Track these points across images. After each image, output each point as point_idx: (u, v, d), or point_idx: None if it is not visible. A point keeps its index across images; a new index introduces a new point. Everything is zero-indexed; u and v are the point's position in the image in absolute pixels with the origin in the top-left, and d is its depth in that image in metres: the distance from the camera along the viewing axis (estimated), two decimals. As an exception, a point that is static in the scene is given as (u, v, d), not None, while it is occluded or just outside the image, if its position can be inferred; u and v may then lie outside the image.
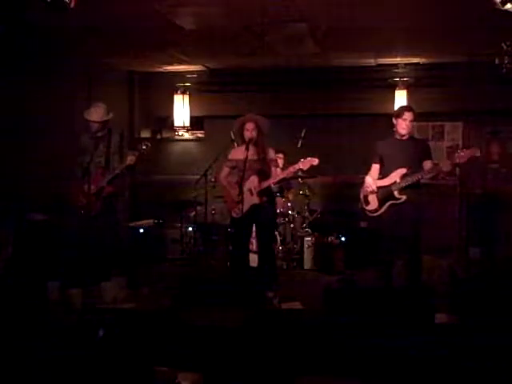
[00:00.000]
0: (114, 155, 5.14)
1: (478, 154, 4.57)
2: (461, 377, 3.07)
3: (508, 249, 5.75)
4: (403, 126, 4.82)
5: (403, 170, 4.76)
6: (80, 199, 5.01)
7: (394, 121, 4.87)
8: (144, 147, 5.06)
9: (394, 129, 4.90)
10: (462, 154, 4.52)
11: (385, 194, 4.86)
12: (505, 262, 5.67)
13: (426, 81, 7.19)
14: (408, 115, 4.81)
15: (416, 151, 4.81)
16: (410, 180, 4.72)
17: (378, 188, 4.92)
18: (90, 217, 4.99)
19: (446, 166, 4.61)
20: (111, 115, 5.19)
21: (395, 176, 4.80)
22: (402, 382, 3.09)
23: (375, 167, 5.03)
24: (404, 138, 4.87)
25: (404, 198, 4.76)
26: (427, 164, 4.77)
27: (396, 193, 4.78)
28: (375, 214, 4.96)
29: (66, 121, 5.95)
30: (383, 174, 4.94)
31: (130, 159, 5.01)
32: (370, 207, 4.99)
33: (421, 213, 4.84)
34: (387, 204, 4.86)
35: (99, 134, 5.16)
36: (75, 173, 5.15)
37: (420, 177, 4.70)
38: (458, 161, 4.54)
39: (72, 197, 5.10)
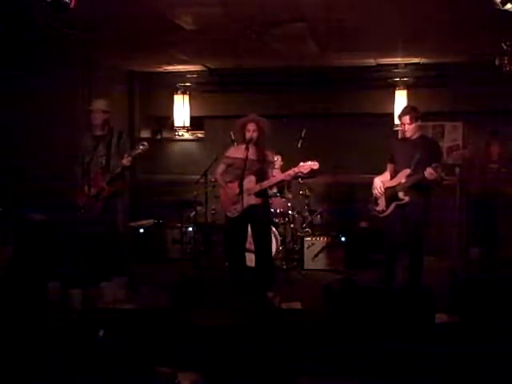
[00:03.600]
0: (115, 156, 5.15)
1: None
2: (460, 376, 3.07)
3: (508, 249, 5.73)
4: (404, 128, 4.83)
5: (407, 171, 4.73)
6: (80, 200, 5.05)
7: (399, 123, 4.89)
8: (141, 147, 5.06)
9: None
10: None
11: (391, 194, 4.83)
12: (505, 261, 5.66)
13: (426, 81, 7.19)
14: (405, 118, 4.80)
15: (423, 151, 4.73)
16: (410, 181, 4.69)
17: (386, 189, 4.89)
18: (89, 217, 5.00)
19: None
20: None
21: (401, 176, 4.77)
22: (402, 381, 3.09)
23: (390, 166, 5.01)
24: (412, 137, 4.84)
25: (407, 199, 4.72)
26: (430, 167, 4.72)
27: (401, 194, 4.75)
28: (383, 215, 4.93)
29: (66, 121, 5.94)
30: (395, 174, 4.91)
31: (126, 160, 5.04)
32: (378, 208, 4.97)
33: (424, 215, 4.80)
34: (392, 205, 4.83)
35: (100, 133, 5.18)
36: (76, 173, 5.16)
37: (418, 178, 4.66)
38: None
39: (72, 197, 5.12)
